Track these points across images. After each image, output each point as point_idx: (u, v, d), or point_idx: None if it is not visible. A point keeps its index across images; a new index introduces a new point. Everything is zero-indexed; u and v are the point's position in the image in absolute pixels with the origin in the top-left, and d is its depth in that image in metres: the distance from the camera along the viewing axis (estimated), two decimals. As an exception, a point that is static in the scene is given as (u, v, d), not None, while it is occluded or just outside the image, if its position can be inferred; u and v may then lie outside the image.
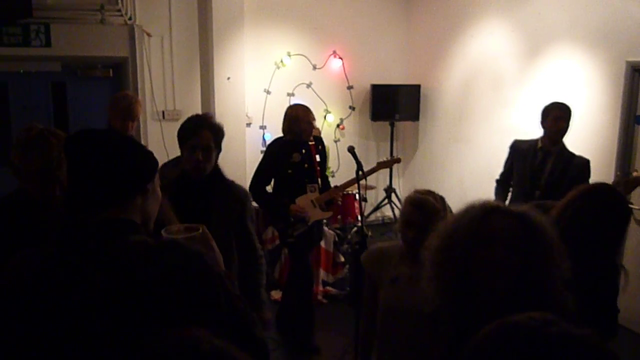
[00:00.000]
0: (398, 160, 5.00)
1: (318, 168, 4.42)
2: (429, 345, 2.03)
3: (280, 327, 4.67)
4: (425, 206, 2.42)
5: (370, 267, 2.59)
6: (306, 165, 4.36)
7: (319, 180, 4.43)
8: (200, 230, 1.67)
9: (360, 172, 3.80)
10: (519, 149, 4.39)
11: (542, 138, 4.27)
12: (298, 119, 4.30)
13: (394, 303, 2.43)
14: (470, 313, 1.49)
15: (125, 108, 4.05)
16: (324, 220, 5.02)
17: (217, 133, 2.85)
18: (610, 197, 2.34)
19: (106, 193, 1.44)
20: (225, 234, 2.80)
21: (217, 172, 2.90)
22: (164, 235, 1.65)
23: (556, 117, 4.14)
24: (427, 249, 1.61)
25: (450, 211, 2.54)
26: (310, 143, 4.40)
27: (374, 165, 4.77)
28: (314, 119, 4.38)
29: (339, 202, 4.55)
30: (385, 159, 4.93)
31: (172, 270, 1.33)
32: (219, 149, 2.88)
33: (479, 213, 1.53)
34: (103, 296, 1.30)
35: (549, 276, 1.47)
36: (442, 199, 2.55)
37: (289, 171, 4.31)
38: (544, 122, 4.21)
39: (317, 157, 4.44)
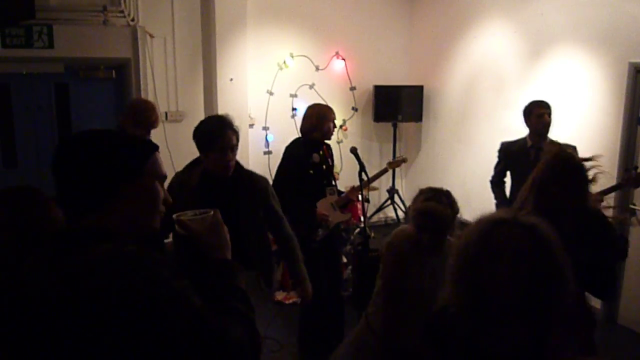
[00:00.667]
0: (404, 160, 5.07)
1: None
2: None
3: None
4: (433, 214, 2.54)
5: (390, 250, 2.73)
6: (324, 167, 4.27)
7: (335, 182, 4.40)
8: (212, 213, 1.64)
9: (362, 174, 3.79)
10: (510, 151, 4.55)
11: (530, 136, 4.42)
12: (326, 118, 4.21)
13: (406, 289, 2.60)
14: (483, 328, 1.49)
15: (155, 119, 4.16)
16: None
17: (237, 131, 3.01)
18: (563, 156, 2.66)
19: (72, 199, 1.39)
20: (256, 224, 3.12)
21: (239, 167, 3.09)
22: (174, 218, 1.60)
23: (539, 113, 4.32)
24: (448, 268, 1.62)
25: (456, 204, 2.69)
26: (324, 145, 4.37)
27: (377, 166, 4.78)
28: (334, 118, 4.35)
29: (357, 203, 4.52)
30: (393, 160, 4.95)
31: (106, 286, 1.23)
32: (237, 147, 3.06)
33: (486, 226, 1.52)
34: (40, 306, 1.26)
35: (558, 290, 1.45)
36: (447, 193, 2.64)
37: (311, 171, 4.19)
38: (528, 120, 4.38)
39: (330, 161, 4.41)
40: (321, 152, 4.25)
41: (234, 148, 2.97)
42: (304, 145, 4.23)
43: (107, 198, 1.38)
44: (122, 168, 1.39)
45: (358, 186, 4.33)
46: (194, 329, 1.29)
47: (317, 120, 4.21)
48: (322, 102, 7.02)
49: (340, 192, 4.43)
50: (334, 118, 4.31)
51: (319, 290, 4.29)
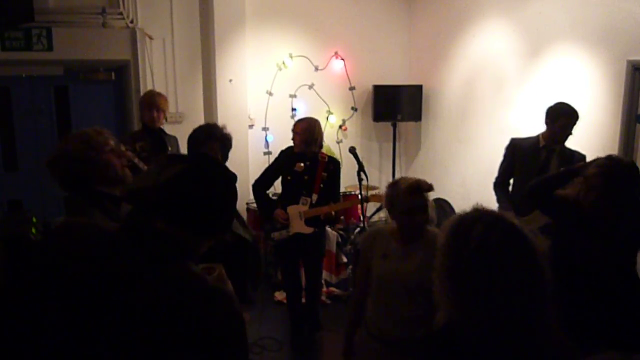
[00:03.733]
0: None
1: (322, 185, 4.45)
2: (410, 309, 2.67)
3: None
4: (423, 187, 2.81)
5: (365, 246, 2.92)
6: (306, 177, 4.43)
7: (314, 195, 4.46)
8: (217, 272, 1.70)
9: (361, 173, 3.82)
10: (520, 147, 4.40)
11: (544, 136, 4.28)
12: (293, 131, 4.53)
13: (385, 275, 2.75)
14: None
15: (163, 102, 4.60)
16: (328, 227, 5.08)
17: (226, 144, 3.02)
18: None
19: (184, 227, 1.50)
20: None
21: None
22: None
23: (565, 124, 4.17)
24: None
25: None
26: (323, 159, 4.46)
27: (377, 165, 4.81)
28: (297, 132, 4.46)
29: (322, 218, 4.57)
30: (377, 193, 5.04)
31: (218, 319, 1.40)
32: (226, 159, 3.05)
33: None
34: (136, 308, 1.37)
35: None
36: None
37: (289, 177, 4.48)
38: (552, 125, 4.20)
39: (325, 175, 4.47)
40: (308, 163, 4.43)
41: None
42: (294, 152, 4.51)
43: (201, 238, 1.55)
44: (225, 224, 1.62)
45: (331, 205, 4.47)
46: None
47: None
48: (321, 102, 7.05)
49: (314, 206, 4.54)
50: (297, 129, 4.50)
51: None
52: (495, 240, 1.43)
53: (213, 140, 2.97)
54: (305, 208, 4.44)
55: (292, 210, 4.45)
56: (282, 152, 4.64)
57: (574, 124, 4.20)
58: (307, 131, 4.41)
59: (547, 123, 4.25)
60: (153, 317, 1.36)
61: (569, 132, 4.19)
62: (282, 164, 4.53)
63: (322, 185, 4.45)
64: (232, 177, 1.61)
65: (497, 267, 1.41)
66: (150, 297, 1.37)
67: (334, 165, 4.54)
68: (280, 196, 4.62)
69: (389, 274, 2.74)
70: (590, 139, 4.93)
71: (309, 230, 4.47)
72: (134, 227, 1.48)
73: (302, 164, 4.43)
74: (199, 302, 1.39)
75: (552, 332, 1.43)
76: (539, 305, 1.42)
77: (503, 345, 1.41)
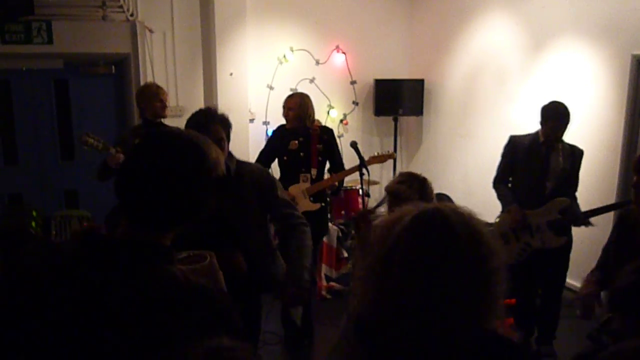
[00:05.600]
0: (391, 156, 4.91)
1: (319, 158, 4.39)
2: None
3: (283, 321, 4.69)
4: (398, 195, 2.63)
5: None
6: (302, 154, 4.37)
7: (313, 170, 4.40)
8: (208, 261, 1.61)
9: (362, 168, 3.78)
10: (521, 144, 4.33)
11: (542, 132, 4.25)
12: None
13: None
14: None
15: (158, 92, 4.50)
16: (328, 215, 5.00)
17: (226, 125, 2.91)
18: None
19: (157, 216, 1.35)
20: (254, 216, 2.93)
21: (231, 159, 2.94)
22: None
23: (554, 126, 4.10)
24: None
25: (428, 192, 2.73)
26: (315, 131, 4.41)
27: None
28: (290, 107, 4.38)
29: (328, 191, 4.49)
30: (377, 154, 4.88)
31: (197, 323, 1.26)
32: (229, 140, 2.94)
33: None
34: (110, 317, 1.26)
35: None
36: (423, 180, 2.73)
37: (285, 158, 4.40)
38: (544, 125, 4.17)
39: (320, 147, 4.40)
40: (301, 139, 4.35)
41: (220, 142, 2.80)
42: (285, 131, 4.44)
43: (179, 225, 1.39)
44: (200, 209, 1.40)
45: (332, 177, 4.37)
46: None
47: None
48: (322, 96, 7.02)
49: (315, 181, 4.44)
50: (287, 104, 4.42)
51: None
52: (411, 233, 1.32)
53: (215, 123, 2.88)
54: (307, 185, 4.36)
55: (295, 190, 4.35)
56: (274, 132, 4.61)
57: (564, 125, 4.11)
58: (301, 106, 4.34)
59: (540, 122, 4.23)
60: (130, 334, 1.24)
61: (560, 134, 4.13)
62: (276, 144, 4.45)
63: (319, 158, 4.40)
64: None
65: (405, 260, 1.29)
66: (122, 313, 1.25)
67: (327, 134, 4.47)
68: (280, 178, 4.43)
69: None
70: (594, 133, 4.91)
71: (316, 206, 4.40)
72: (89, 243, 1.35)
73: (295, 142, 4.35)
74: (175, 308, 1.26)
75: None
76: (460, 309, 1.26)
77: (403, 341, 1.33)
